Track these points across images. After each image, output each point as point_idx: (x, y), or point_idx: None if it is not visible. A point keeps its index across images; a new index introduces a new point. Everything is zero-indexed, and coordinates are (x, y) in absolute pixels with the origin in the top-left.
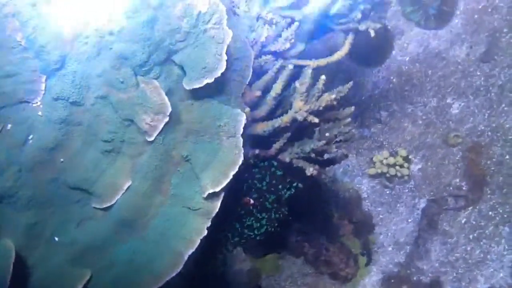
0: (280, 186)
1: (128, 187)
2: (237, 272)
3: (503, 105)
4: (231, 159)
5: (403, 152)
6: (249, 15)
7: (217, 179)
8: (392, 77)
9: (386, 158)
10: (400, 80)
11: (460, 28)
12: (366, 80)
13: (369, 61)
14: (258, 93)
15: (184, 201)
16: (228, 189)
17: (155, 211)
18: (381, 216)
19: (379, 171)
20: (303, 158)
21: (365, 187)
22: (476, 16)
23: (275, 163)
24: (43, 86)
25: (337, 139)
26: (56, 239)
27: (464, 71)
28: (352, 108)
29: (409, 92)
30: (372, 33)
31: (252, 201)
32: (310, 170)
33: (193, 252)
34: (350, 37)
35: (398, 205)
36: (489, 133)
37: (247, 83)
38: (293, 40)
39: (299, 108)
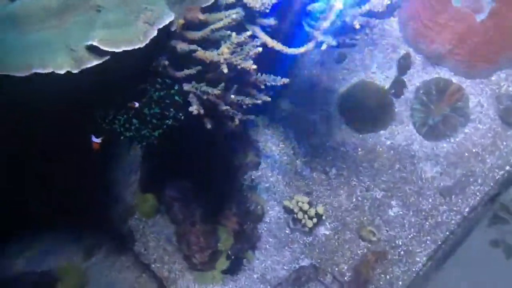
0: (170, 108)
1: None
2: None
3: (427, 238)
4: (132, 38)
5: (320, 209)
6: None
7: (107, 41)
8: (360, 148)
9: (303, 203)
10: (365, 155)
11: (443, 152)
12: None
13: (356, 126)
14: (202, 16)
15: (68, 38)
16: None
17: (46, 25)
18: (267, 246)
19: (291, 207)
20: (199, 97)
21: (273, 213)
22: (466, 154)
23: (177, 87)
24: None
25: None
26: None
27: (422, 188)
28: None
29: (364, 169)
30: (324, 46)
31: (136, 105)
32: (195, 107)
33: None
34: (311, 44)
35: (287, 248)
36: (402, 252)
37: (202, 6)
38: (268, 10)
39: (222, 52)
